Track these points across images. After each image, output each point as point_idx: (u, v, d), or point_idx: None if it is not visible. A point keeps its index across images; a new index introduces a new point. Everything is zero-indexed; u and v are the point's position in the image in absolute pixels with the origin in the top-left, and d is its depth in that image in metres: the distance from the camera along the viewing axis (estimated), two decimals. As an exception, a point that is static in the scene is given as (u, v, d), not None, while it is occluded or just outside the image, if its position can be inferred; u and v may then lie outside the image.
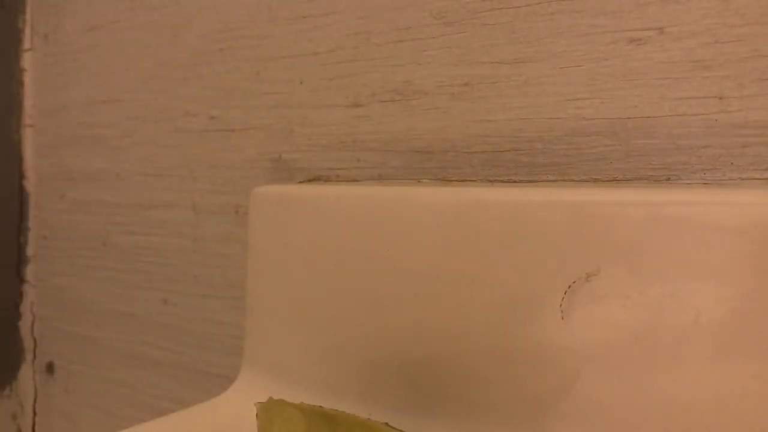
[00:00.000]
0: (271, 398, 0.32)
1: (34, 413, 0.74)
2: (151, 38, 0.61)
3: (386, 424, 0.33)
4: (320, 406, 0.33)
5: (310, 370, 0.42)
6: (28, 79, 0.73)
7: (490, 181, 0.41)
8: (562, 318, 0.32)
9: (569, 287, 0.32)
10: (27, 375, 0.74)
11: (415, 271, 0.38)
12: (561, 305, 0.32)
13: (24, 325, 0.74)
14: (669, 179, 0.35)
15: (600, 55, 0.37)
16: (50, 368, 0.72)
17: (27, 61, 0.73)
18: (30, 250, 0.74)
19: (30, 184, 0.74)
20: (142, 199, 0.62)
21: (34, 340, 0.74)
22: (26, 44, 0.73)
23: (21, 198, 0.74)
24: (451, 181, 0.43)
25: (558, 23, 0.38)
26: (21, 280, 0.74)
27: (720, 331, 0.29)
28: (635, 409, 0.31)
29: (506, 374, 0.34)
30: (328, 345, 0.41)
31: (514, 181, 0.40)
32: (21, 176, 0.74)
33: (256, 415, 0.30)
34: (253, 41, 0.53)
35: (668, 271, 0.30)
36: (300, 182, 0.50)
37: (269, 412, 0.31)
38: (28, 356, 0.74)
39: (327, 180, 0.49)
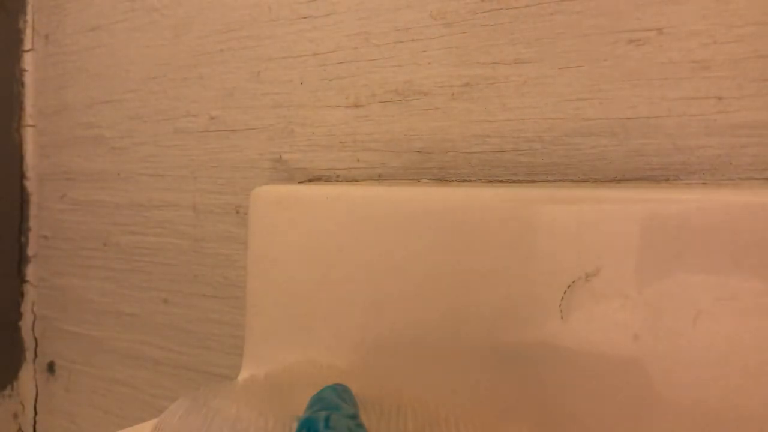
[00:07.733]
0: None
1: (35, 412, 0.75)
2: (151, 38, 0.61)
3: None
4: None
5: (310, 370, 0.42)
6: (28, 79, 0.73)
7: (490, 181, 0.41)
8: (562, 318, 0.32)
9: (569, 287, 0.32)
10: (28, 374, 0.75)
11: (415, 270, 0.38)
12: (561, 305, 0.32)
13: (25, 324, 0.74)
14: (668, 179, 0.35)
15: (600, 56, 0.37)
16: (51, 368, 0.72)
17: (28, 61, 0.73)
18: (31, 250, 0.74)
19: (31, 184, 0.74)
20: (142, 199, 0.62)
21: (35, 340, 0.74)
22: (27, 45, 0.73)
23: (22, 198, 0.74)
24: (451, 181, 0.43)
25: (558, 23, 0.38)
26: (22, 279, 0.74)
27: (720, 330, 0.29)
28: (635, 409, 0.31)
29: (506, 374, 0.34)
30: (328, 345, 0.41)
31: (514, 181, 0.40)
32: (22, 176, 0.74)
33: None
34: (253, 42, 0.53)
35: (668, 271, 0.30)
36: (300, 182, 0.50)
37: None
38: (29, 356, 0.74)
39: (327, 180, 0.49)
